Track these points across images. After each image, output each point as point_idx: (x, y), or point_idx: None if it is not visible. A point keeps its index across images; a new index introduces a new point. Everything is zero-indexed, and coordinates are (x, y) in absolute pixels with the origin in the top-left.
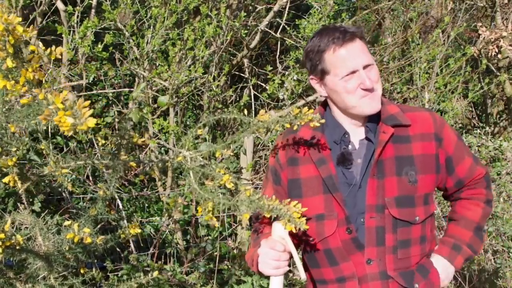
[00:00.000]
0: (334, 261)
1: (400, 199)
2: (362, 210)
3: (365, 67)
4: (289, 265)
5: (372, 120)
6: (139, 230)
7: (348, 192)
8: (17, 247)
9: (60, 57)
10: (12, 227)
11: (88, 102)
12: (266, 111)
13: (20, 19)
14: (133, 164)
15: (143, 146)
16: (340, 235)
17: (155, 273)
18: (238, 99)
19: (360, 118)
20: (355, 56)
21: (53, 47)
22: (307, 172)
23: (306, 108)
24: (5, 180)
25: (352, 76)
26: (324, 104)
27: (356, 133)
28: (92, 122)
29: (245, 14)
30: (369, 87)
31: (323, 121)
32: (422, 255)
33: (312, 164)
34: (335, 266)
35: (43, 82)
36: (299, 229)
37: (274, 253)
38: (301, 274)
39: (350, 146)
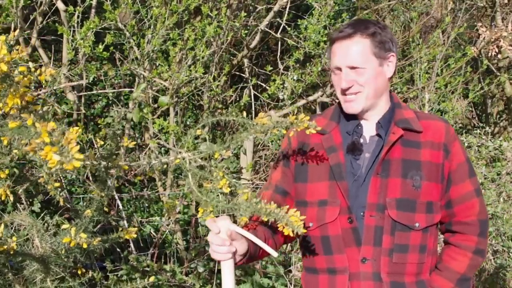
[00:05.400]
0: (329, 250)
1: (401, 202)
2: (363, 204)
3: (351, 68)
4: (252, 254)
5: (386, 118)
6: (135, 235)
7: (352, 183)
8: (11, 252)
9: (49, 78)
10: (11, 228)
11: (76, 134)
12: (266, 112)
13: (5, 51)
14: (125, 167)
15: (143, 146)
16: (342, 223)
17: (151, 278)
18: (238, 99)
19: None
20: (343, 55)
21: (43, 69)
22: (315, 158)
23: (302, 115)
24: None
25: (338, 73)
26: None
27: (369, 129)
28: (78, 162)
29: (245, 14)
30: (343, 87)
31: (319, 128)
32: (420, 265)
33: (322, 151)
34: (328, 255)
35: (35, 99)
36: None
37: (210, 237)
38: (272, 253)
39: (361, 139)
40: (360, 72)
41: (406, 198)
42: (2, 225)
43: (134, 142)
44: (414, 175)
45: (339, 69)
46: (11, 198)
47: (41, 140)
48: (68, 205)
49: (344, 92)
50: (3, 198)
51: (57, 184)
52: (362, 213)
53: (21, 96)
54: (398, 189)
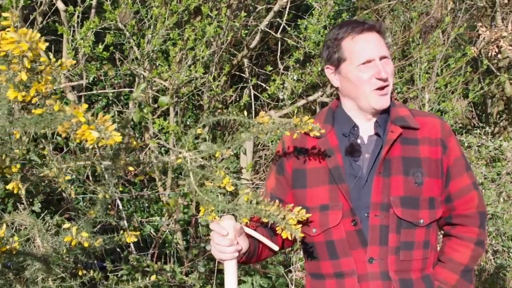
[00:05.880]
0: (335, 254)
1: (405, 199)
2: (367, 204)
3: (381, 58)
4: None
5: (382, 117)
6: (135, 239)
7: (354, 184)
8: (14, 252)
9: (70, 68)
10: (12, 228)
11: (109, 116)
12: (266, 112)
13: (39, 34)
14: (131, 168)
15: (143, 146)
16: (345, 226)
17: (153, 277)
18: (238, 99)
19: (369, 112)
20: (373, 46)
21: (64, 59)
22: (313, 163)
23: (306, 117)
24: (9, 187)
25: (368, 66)
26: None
27: (366, 129)
28: (118, 137)
29: (245, 14)
30: (384, 77)
31: (323, 131)
32: (424, 261)
33: (319, 154)
34: (335, 260)
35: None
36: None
37: (218, 240)
38: (273, 246)
39: (359, 140)
40: (387, 62)
41: (409, 195)
42: (4, 226)
43: (141, 143)
44: (416, 172)
45: (369, 61)
46: (23, 191)
47: (76, 120)
48: (68, 205)
49: (383, 82)
50: (15, 191)
51: (68, 177)
52: (366, 214)
53: (45, 83)
54: (401, 186)
